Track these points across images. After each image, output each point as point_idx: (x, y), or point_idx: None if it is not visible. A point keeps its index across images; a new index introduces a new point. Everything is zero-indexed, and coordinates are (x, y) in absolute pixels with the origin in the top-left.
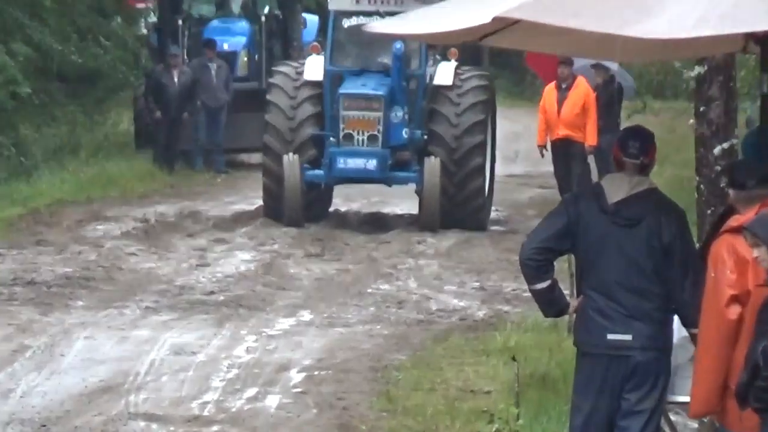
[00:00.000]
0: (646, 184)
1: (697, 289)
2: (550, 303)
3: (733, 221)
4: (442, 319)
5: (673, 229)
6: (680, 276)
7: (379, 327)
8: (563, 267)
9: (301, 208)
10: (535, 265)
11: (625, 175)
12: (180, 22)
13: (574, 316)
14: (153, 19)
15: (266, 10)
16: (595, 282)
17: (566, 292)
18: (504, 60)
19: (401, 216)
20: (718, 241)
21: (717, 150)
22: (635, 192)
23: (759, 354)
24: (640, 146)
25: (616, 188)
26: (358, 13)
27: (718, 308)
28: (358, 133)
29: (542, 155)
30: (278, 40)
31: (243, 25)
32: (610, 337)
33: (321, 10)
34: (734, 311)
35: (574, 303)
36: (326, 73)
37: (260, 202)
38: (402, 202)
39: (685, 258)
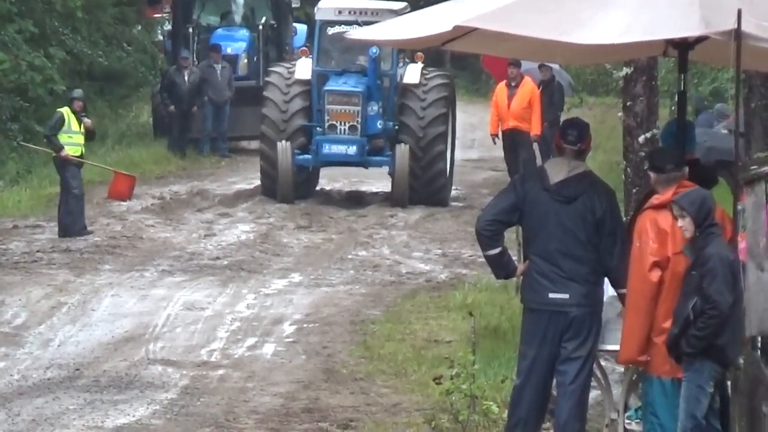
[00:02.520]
0: (582, 167)
1: (624, 256)
2: (501, 266)
3: (654, 199)
4: (411, 280)
5: (604, 206)
6: (610, 245)
7: (357, 287)
8: (512, 237)
9: (293, 187)
10: (489, 234)
11: (564, 160)
12: (190, 30)
13: (521, 278)
14: (168, 27)
15: (263, 20)
16: (538, 249)
17: (515, 258)
18: (463, 62)
19: (376, 194)
20: (642, 216)
21: (641, 138)
22: (573, 174)
23: (690, 310)
24: (577, 135)
25: (557, 170)
26: (340, 23)
27: (642, 273)
28: (340, 124)
29: (494, 143)
30: (273, 46)
31: (243, 32)
32: (551, 295)
33: (309, 20)
34: (656, 275)
35: (521, 267)
36: (313, 73)
37: (258, 182)
38: (377, 182)
39: (614, 230)
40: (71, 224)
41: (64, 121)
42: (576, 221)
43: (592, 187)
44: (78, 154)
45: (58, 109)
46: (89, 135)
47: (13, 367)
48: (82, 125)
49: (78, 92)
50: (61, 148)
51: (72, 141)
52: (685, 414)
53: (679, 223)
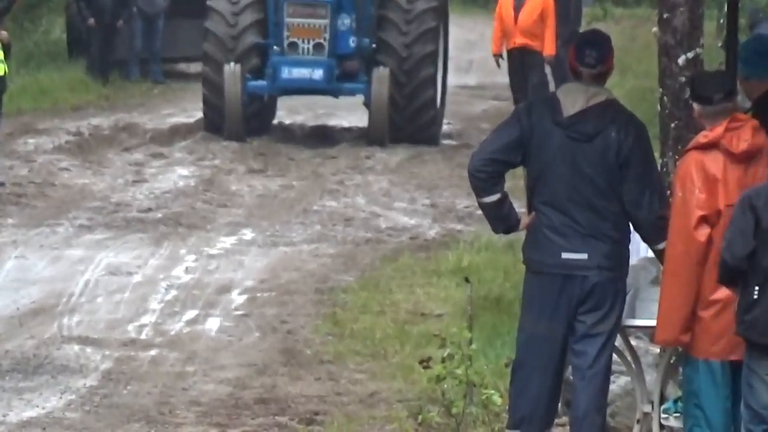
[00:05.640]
0: (603, 95)
1: (655, 205)
2: (499, 218)
3: (702, 137)
4: (392, 237)
5: (630, 143)
6: (637, 193)
7: (325, 246)
8: (519, 184)
9: (243, 121)
10: (484, 177)
11: (581, 86)
12: None
13: (526, 233)
14: None
15: None
16: (548, 198)
17: (522, 210)
18: None
19: (348, 129)
20: (685, 158)
21: (681, 60)
22: (592, 104)
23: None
24: (597, 55)
25: (573, 100)
26: None
27: (686, 230)
28: (303, 42)
29: (498, 65)
30: None
31: None
32: (564, 255)
33: None
34: (703, 233)
35: (525, 219)
36: None
37: (200, 115)
38: (349, 114)
39: (642, 174)
40: None
41: None
42: (595, 164)
43: (617, 120)
44: (2, 73)
45: None
46: (5, 49)
47: None
48: None
49: None
50: None
51: None
52: (744, 405)
53: None
